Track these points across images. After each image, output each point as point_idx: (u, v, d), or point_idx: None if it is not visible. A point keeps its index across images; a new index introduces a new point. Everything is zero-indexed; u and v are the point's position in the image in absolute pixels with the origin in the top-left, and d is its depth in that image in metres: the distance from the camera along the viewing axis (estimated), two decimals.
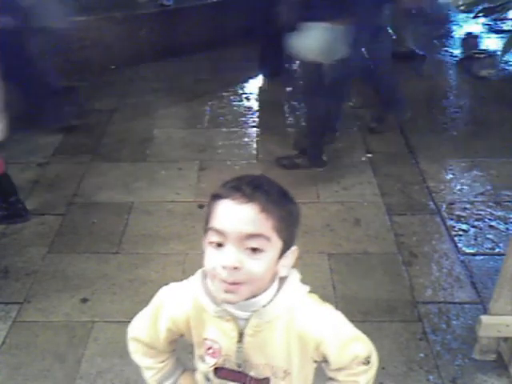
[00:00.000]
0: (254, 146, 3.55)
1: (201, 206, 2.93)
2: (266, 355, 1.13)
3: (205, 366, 1.18)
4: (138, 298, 2.32)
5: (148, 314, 1.22)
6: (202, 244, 1.06)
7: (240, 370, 1.15)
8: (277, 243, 1.02)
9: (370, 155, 3.43)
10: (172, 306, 1.16)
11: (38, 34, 3.35)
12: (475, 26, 5.48)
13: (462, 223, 2.83)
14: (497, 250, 2.62)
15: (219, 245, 1.00)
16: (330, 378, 1.20)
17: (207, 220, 1.03)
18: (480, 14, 4.84)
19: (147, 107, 4.04)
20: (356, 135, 3.67)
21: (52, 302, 2.36)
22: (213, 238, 1.01)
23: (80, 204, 3.01)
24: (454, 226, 2.80)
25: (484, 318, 1.97)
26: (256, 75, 4.48)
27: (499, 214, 2.89)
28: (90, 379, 2.02)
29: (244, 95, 4.21)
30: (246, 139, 3.64)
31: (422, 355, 2.11)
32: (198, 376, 1.24)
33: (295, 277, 1.13)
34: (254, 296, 1.06)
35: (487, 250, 2.64)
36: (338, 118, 3.54)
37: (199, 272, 1.13)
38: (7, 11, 3.10)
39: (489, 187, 3.10)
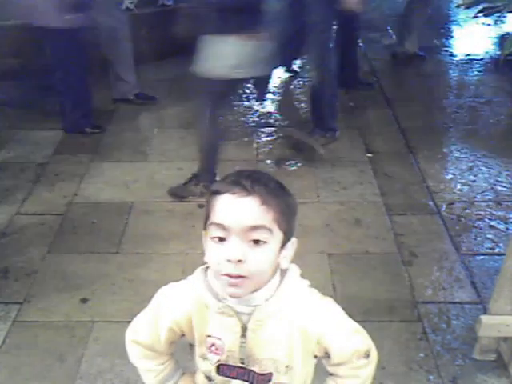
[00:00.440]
0: (254, 145, 3.55)
1: (201, 206, 2.93)
2: (268, 350, 1.13)
3: (207, 364, 1.18)
4: (138, 297, 2.31)
5: (148, 315, 1.21)
6: (202, 241, 1.06)
7: (243, 365, 1.15)
8: (278, 235, 1.03)
9: (370, 155, 3.43)
10: (173, 305, 1.16)
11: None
12: (475, 25, 5.49)
13: (462, 223, 2.83)
14: (497, 250, 2.62)
15: (221, 239, 1.01)
16: (331, 374, 1.21)
17: (207, 216, 1.04)
18: (480, 14, 4.84)
19: (147, 107, 4.04)
20: (356, 135, 3.67)
21: (52, 301, 2.36)
22: (215, 232, 1.01)
23: (80, 204, 3.01)
24: (454, 226, 2.80)
25: (484, 318, 1.97)
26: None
27: (499, 213, 2.89)
28: (89, 379, 2.02)
29: (244, 95, 4.20)
30: (246, 139, 3.64)
31: (421, 355, 2.11)
32: (199, 377, 1.24)
33: (295, 271, 1.14)
34: (256, 289, 1.06)
35: (487, 250, 2.64)
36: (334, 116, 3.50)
37: (199, 270, 1.14)
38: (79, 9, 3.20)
39: (489, 187, 3.10)
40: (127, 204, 2.99)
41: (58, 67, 3.45)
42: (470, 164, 3.33)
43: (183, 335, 1.20)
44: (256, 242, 1.00)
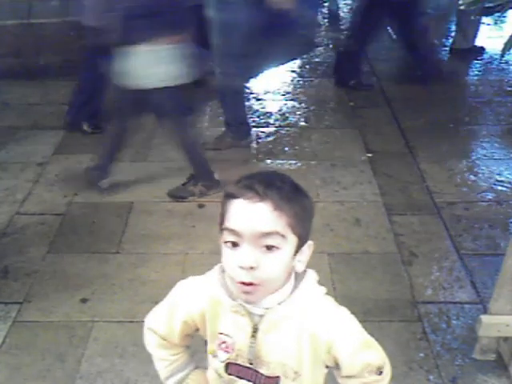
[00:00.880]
0: (255, 145, 3.55)
1: (201, 206, 2.93)
2: (277, 353, 1.13)
3: (217, 361, 1.18)
4: (138, 297, 2.31)
5: (165, 306, 1.23)
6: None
7: (251, 366, 1.15)
8: (292, 240, 1.03)
9: (370, 155, 3.43)
10: (189, 299, 1.17)
11: None
12: None
13: (462, 223, 2.83)
14: (497, 250, 2.62)
15: (235, 244, 1.01)
16: None
17: (222, 220, 1.04)
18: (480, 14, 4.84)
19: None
20: (356, 135, 3.67)
21: (52, 301, 2.36)
22: (228, 237, 1.02)
23: (80, 204, 3.01)
24: (454, 226, 2.80)
25: (484, 318, 1.97)
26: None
27: (499, 213, 2.89)
28: (90, 379, 2.02)
29: (244, 95, 4.20)
30: (246, 139, 3.64)
31: (421, 355, 2.11)
32: (210, 372, 1.24)
33: (312, 277, 1.14)
34: (271, 293, 1.07)
35: (487, 250, 2.64)
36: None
37: (217, 266, 1.14)
38: None
39: (489, 187, 3.10)
40: (127, 204, 2.99)
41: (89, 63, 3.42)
42: (470, 164, 3.33)
43: (197, 330, 1.21)
44: (269, 247, 1.00)
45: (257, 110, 3.98)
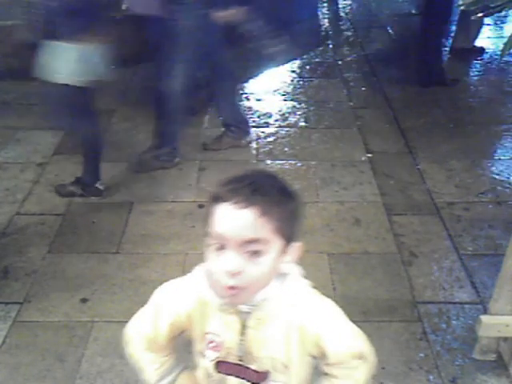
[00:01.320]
0: (255, 145, 3.55)
1: (201, 206, 2.93)
2: (267, 348, 1.13)
3: (205, 361, 1.18)
4: (138, 298, 2.32)
5: (149, 311, 1.22)
6: (202, 244, 1.06)
7: (241, 363, 1.16)
8: (278, 243, 1.03)
9: (370, 155, 3.43)
10: (174, 301, 1.17)
11: None
12: None
13: (462, 223, 2.83)
14: (497, 250, 2.62)
15: (220, 247, 1.01)
16: (325, 374, 1.21)
17: (208, 221, 1.04)
18: (479, 14, 4.84)
19: (147, 107, 4.03)
20: (356, 135, 3.67)
21: (52, 302, 2.36)
22: (213, 241, 1.02)
23: (80, 204, 3.01)
24: (454, 226, 2.80)
25: (484, 318, 1.97)
26: (255, 75, 4.48)
27: (499, 214, 2.89)
28: (90, 379, 2.02)
29: (244, 95, 4.20)
30: (246, 139, 3.64)
31: (421, 355, 2.11)
32: (200, 372, 1.25)
33: (296, 271, 1.14)
34: (256, 293, 1.07)
35: (487, 250, 2.64)
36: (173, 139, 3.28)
37: (199, 268, 1.14)
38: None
39: (489, 187, 3.10)
40: (127, 204, 2.99)
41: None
42: (470, 164, 3.33)
43: (183, 331, 1.20)
44: (253, 252, 1.00)
45: (257, 110, 3.98)
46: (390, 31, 5.51)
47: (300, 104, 4.08)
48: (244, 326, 1.12)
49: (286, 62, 4.45)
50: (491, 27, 5.47)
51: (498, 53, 4.74)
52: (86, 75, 2.60)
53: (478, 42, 4.87)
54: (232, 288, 1.01)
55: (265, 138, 3.63)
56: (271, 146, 3.53)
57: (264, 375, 1.17)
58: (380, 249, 2.66)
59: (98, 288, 2.42)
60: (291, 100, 4.13)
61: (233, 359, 1.16)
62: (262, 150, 3.50)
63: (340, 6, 6.16)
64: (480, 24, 4.73)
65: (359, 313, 2.23)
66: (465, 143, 3.57)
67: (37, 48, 2.57)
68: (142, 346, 1.25)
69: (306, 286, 1.15)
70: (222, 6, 2.95)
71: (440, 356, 2.11)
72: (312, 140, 3.62)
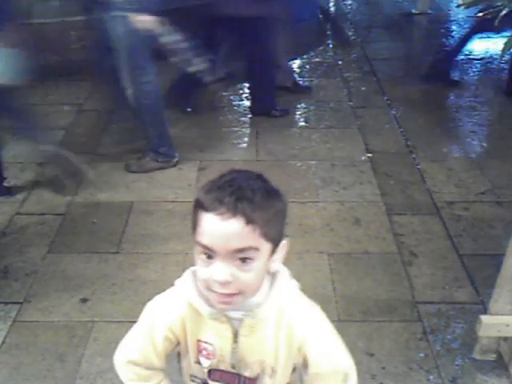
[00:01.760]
0: (254, 145, 3.55)
1: None
2: (258, 353, 1.13)
3: (200, 368, 1.18)
4: (138, 297, 2.32)
5: (140, 330, 1.20)
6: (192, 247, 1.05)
7: (234, 370, 1.15)
8: (266, 247, 1.02)
9: (370, 155, 3.43)
10: (166, 313, 1.15)
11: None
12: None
13: (462, 223, 2.83)
14: (497, 250, 2.61)
15: (209, 257, 1.00)
16: None
17: (194, 228, 1.02)
18: (479, 14, 4.84)
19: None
20: (356, 135, 3.67)
21: (52, 301, 2.36)
22: (202, 251, 1.01)
23: (80, 204, 3.01)
24: (454, 226, 2.80)
25: (484, 318, 1.97)
26: None
27: (499, 214, 2.89)
28: (89, 379, 2.02)
29: (244, 95, 4.20)
30: (246, 139, 3.64)
31: (421, 355, 2.11)
32: None
33: (285, 273, 1.13)
34: (248, 298, 1.06)
35: (487, 250, 2.64)
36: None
37: (188, 273, 1.13)
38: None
39: (489, 187, 3.10)
40: (127, 204, 2.99)
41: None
42: (470, 164, 3.33)
43: (178, 344, 1.19)
44: (243, 259, 0.99)
45: None
46: (390, 31, 5.51)
47: (300, 104, 4.09)
48: (236, 334, 1.11)
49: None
50: None
51: (499, 53, 4.74)
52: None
53: (479, 42, 4.86)
54: (224, 295, 1.01)
55: (264, 137, 3.63)
56: (271, 146, 3.53)
57: (255, 380, 1.16)
58: (380, 249, 2.66)
59: (97, 288, 2.42)
60: (291, 100, 4.13)
61: (225, 367, 1.15)
62: (262, 149, 3.50)
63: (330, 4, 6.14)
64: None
65: (359, 313, 2.22)
66: (465, 143, 3.57)
67: None
68: (136, 376, 1.22)
69: (295, 288, 1.14)
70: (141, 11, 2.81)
71: (440, 356, 2.11)
72: (312, 140, 3.62)
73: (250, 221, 0.97)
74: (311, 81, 4.47)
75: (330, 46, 5.17)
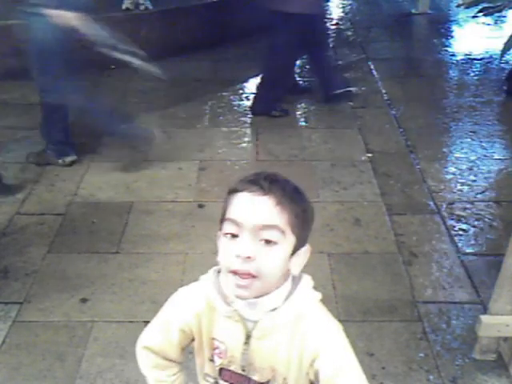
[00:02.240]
0: (254, 145, 3.55)
1: (201, 206, 2.93)
2: (269, 359, 1.12)
3: (213, 366, 1.18)
4: (138, 297, 2.31)
5: (159, 319, 1.22)
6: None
7: (244, 373, 1.15)
8: (290, 238, 1.03)
9: (370, 155, 3.43)
10: (184, 306, 1.17)
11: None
12: (475, 25, 5.49)
13: (462, 223, 2.83)
14: (497, 250, 2.61)
15: (234, 236, 1.01)
16: None
17: (223, 213, 1.05)
18: (480, 14, 4.84)
19: (147, 107, 4.04)
20: (356, 135, 3.67)
21: (52, 302, 2.36)
22: (228, 228, 1.02)
23: (80, 204, 3.01)
24: (454, 226, 2.80)
25: (484, 318, 1.97)
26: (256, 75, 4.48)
27: (499, 214, 2.89)
28: (89, 379, 2.02)
29: (244, 95, 4.21)
30: (246, 139, 3.64)
31: (421, 355, 2.11)
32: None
33: (308, 282, 1.12)
34: (265, 293, 1.05)
35: (487, 250, 2.64)
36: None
37: (212, 271, 1.14)
38: None
39: (489, 187, 3.11)
40: (127, 204, 2.99)
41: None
42: (470, 164, 3.33)
43: (193, 340, 1.19)
44: (267, 241, 1.00)
45: None
46: (390, 31, 5.51)
47: (300, 104, 4.09)
48: (248, 336, 1.10)
49: None
50: (491, 27, 5.48)
51: (498, 53, 4.74)
52: None
53: (479, 42, 4.86)
54: (244, 276, 1.00)
55: (265, 137, 3.63)
56: (271, 146, 3.53)
57: None
58: (380, 249, 2.66)
59: (97, 288, 2.42)
60: (291, 100, 4.12)
61: (235, 368, 1.15)
62: (262, 149, 3.50)
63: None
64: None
65: (359, 313, 2.22)
66: (465, 143, 3.57)
67: None
68: (150, 363, 1.24)
69: (317, 299, 1.13)
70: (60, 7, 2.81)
71: (440, 356, 2.11)
72: (312, 140, 3.62)
73: (280, 203, 1.01)
74: (311, 81, 4.46)
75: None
